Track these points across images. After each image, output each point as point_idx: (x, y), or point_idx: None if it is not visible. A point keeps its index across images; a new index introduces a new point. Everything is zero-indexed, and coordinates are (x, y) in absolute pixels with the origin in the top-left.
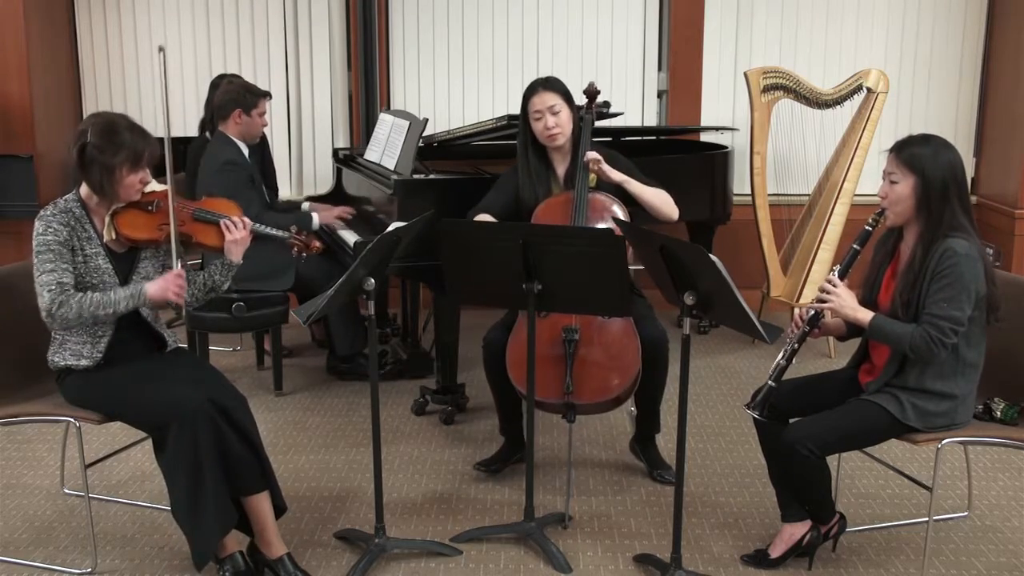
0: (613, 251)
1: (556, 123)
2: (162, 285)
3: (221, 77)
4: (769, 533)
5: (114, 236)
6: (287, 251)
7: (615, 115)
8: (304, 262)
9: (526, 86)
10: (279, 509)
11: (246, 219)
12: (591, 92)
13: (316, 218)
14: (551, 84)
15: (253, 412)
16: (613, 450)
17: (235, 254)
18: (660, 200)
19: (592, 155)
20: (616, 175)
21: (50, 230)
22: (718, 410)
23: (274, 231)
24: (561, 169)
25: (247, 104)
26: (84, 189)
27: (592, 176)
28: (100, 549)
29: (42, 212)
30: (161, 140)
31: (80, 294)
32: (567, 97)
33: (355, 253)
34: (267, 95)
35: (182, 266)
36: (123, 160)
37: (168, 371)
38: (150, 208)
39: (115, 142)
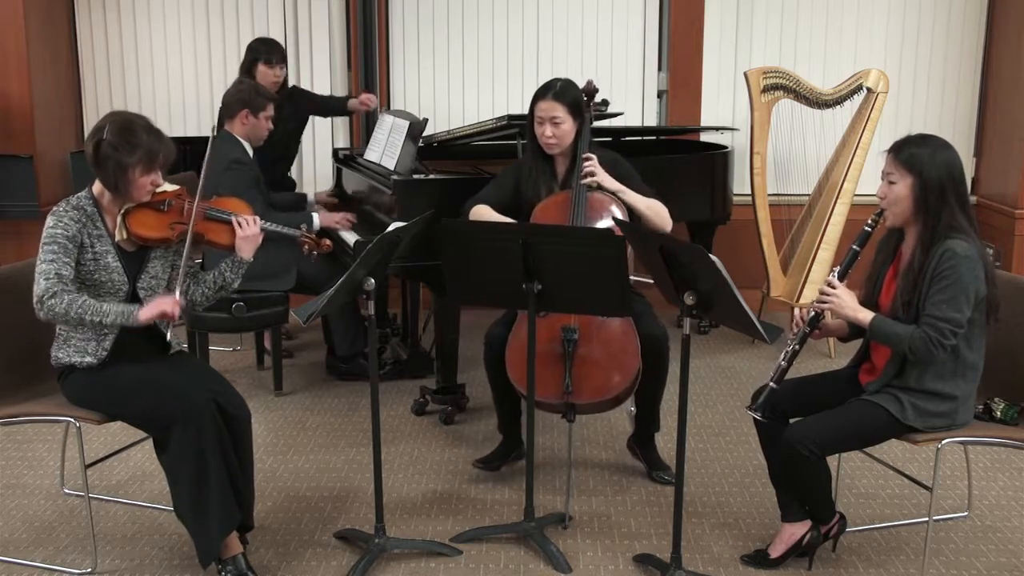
0: (613, 251)
1: (554, 134)
2: (157, 301)
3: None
4: (769, 533)
5: (125, 235)
6: (294, 250)
7: (614, 115)
8: (314, 261)
9: (541, 84)
10: (245, 528)
11: (257, 217)
12: (589, 91)
13: (317, 219)
14: (560, 94)
15: (253, 412)
16: (613, 450)
17: (246, 252)
18: (653, 212)
19: (588, 168)
20: (612, 184)
21: (60, 224)
22: (718, 410)
23: (286, 229)
24: (561, 169)
25: (255, 106)
26: (97, 186)
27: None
28: (100, 549)
29: (55, 208)
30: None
31: (76, 294)
32: (574, 110)
33: (355, 253)
34: (276, 99)
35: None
36: (137, 160)
37: (172, 371)
38: (162, 207)
39: (131, 142)
